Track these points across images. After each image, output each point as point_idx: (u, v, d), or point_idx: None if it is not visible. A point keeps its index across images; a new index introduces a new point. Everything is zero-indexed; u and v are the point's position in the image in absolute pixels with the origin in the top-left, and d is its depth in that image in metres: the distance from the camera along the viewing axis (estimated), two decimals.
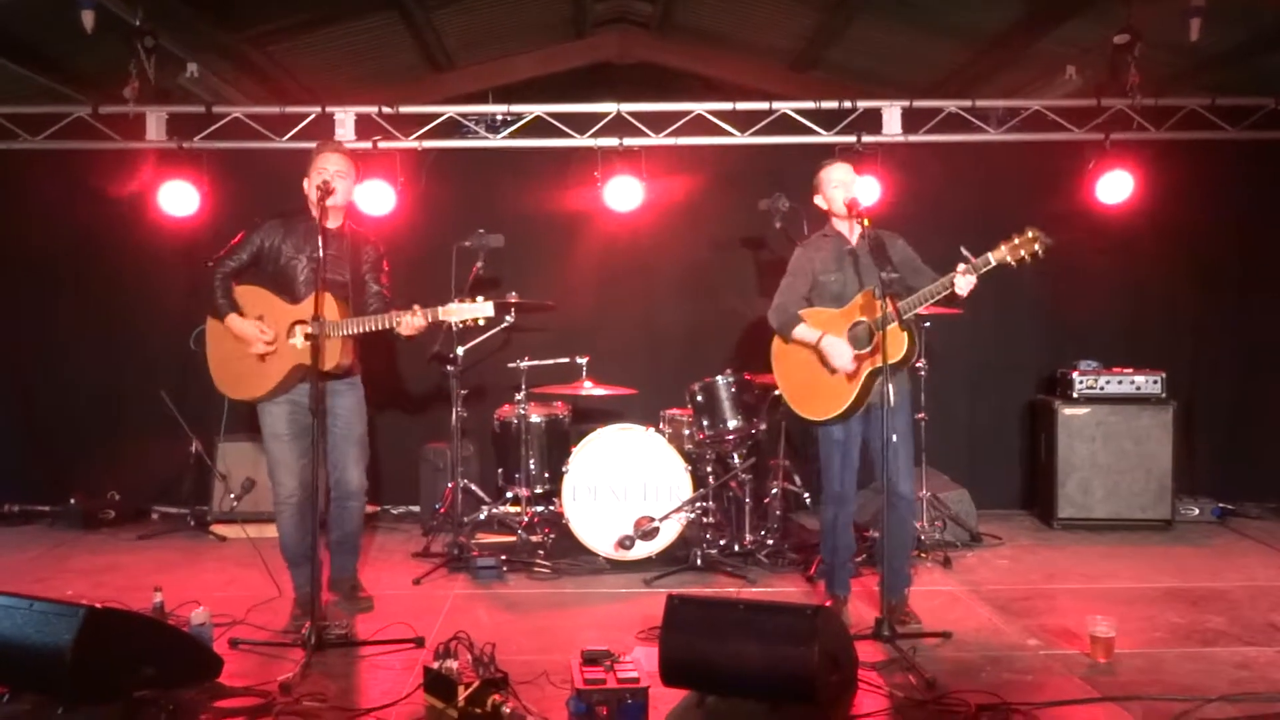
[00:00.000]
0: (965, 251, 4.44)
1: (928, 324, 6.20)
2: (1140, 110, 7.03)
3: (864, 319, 4.68)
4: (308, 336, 4.43)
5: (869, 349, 4.63)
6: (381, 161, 7.05)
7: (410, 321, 4.52)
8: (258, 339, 4.70)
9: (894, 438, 4.55)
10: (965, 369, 7.42)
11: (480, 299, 4.54)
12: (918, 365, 4.78)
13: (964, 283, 4.42)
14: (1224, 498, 7.23)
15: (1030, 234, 4.36)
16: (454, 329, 6.02)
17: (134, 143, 7.13)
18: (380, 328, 4.58)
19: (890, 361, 4.44)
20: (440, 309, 4.52)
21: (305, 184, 4.79)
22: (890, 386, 4.40)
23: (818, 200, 4.96)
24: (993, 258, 4.38)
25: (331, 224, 4.73)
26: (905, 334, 4.54)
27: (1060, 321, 7.46)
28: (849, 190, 4.79)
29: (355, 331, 4.59)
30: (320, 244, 4.41)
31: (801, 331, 4.84)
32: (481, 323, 4.57)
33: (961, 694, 3.89)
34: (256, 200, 6.58)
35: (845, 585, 5.08)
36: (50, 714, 3.62)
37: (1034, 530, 6.96)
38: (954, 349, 7.11)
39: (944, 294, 4.47)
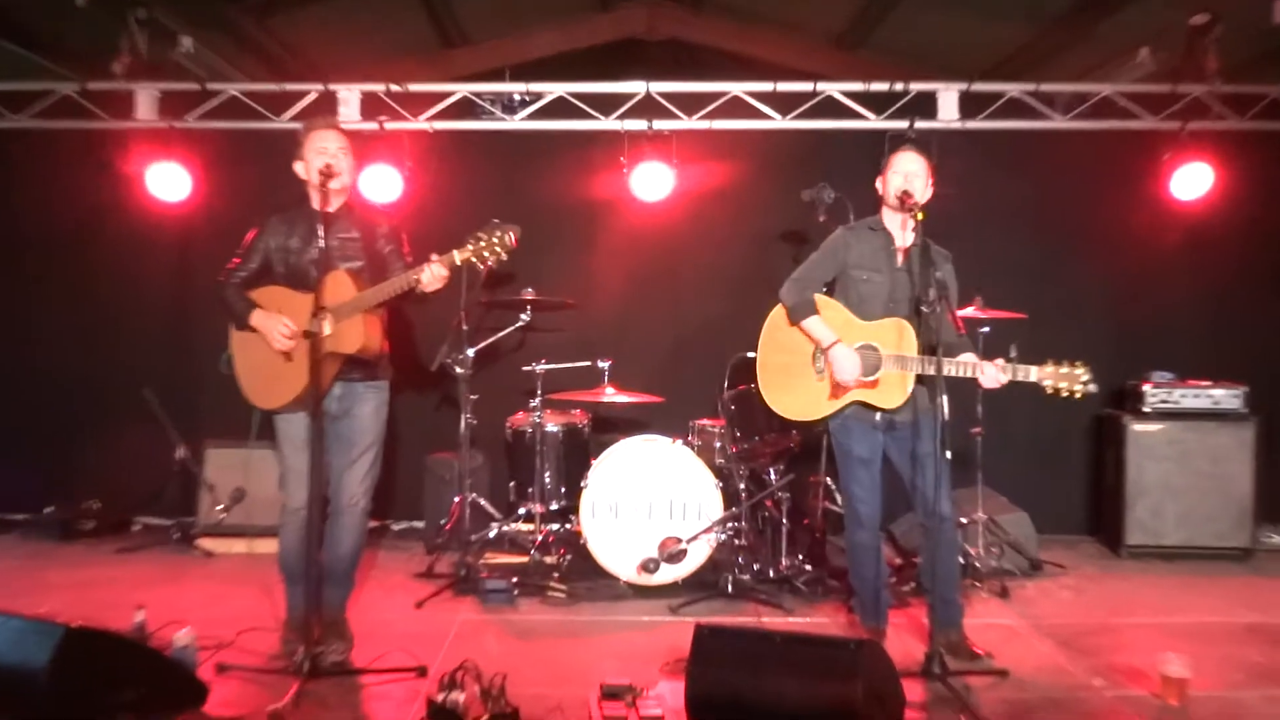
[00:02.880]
0: (1013, 354, 4.52)
1: (985, 329, 6.16)
2: (1220, 97, 6.98)
3: (877, 347, 4.65)
4: (305, 334, 4.41)
5: (869, 380, 4.67)
6: (388, 144, 7.09)
7: (433, 272, 4.46)
8: (278, 331, 4.64)
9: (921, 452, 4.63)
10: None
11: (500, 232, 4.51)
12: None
13: (991, 379, 4.47)
14: None
15: (1079, 372, 4.29)
16: (463, 330, 6.03)
17: (123, 122, 7.18)
18: (398, 291, 4.53)
19: (884, 405, 4.64)
20: (455, 251, 4.47)
21: (298, 168, 4.78)
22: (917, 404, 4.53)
23: (878, 183, 4.92)
24: (1033, 373, 4.35)
25: (334, 207, 4.71)
26: (902, 386, 4.58)
27: (1131, 328, 7.39)
28: (909, 183, 4.71)
29: (373, 302, 4.55)
30: (322, 231, 4.41)
31: (814, 325, 4.81)
32: (504, 257, 4.52)
33: None
34: (253, 184, 6.63)
35: (881, 616, 5.02)
36: None
37: (1100, 558, 6.90)
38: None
39: (964, 375, 4.50)
